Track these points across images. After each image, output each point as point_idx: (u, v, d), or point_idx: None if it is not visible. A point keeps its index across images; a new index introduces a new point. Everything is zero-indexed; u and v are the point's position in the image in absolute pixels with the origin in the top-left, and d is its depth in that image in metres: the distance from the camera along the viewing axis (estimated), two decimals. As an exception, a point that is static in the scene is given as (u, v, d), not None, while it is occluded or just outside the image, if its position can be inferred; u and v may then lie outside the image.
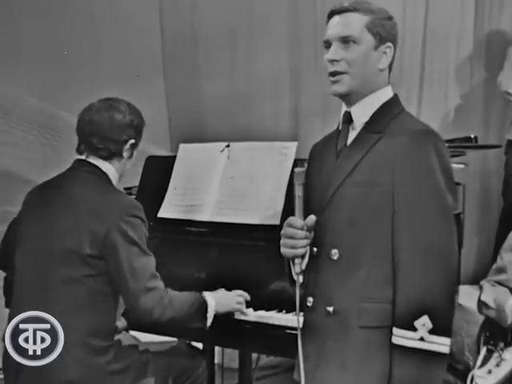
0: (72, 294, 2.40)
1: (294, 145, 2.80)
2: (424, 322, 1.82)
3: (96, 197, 2.46)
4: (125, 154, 2.55)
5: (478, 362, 2.76)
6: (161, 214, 2.98)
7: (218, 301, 2.55)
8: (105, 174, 2.52)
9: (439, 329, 1.82)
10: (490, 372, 2.70)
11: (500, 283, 2.79)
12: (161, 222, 2.96)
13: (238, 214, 2.81)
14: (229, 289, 2.65)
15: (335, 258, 1.94)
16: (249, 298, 2.64)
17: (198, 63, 4.67)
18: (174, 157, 3.09)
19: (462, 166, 3.62)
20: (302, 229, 1.97)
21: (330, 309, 1.93)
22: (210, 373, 3.00)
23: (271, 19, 4.62)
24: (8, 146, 4.52)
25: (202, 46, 4.63)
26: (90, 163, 2.53)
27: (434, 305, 1.82)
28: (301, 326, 2.00)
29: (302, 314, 2.01)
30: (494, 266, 2.86)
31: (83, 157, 2.54)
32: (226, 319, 2.59)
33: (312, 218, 1.98)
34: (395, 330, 1.85)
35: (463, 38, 4.78)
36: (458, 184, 3.69)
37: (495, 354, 2.72)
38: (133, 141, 2.56)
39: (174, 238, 2.94)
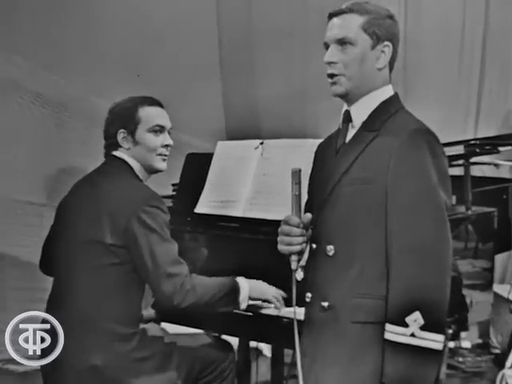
0: (98, 282, 2.50)
1: (323, 142, 2.82)
2: (415, 318, 1.83)
3: (118, 189, 2.57)
4: (125, 145, 2.64)
5: (509, 362, 2.72)
6: (197, 210, 3.06)
7: (252, 286, 2.59)
8: (129, 167, 2.63)
9: (431, 325, 1.83)
10: (519, 372, 2.66)
11: None
12: (198, 218, 3.05)
13: (270, 210, 2.86)
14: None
15: (331, 254, 1.97)
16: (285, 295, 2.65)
17: (254, 63, 4.73)
18: (213, 154, 3.16)
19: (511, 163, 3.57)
20: (297, 226, 2.01)
21: (325, 304, 1.97)
22: (245, 367, 3.07)
23: (326, 17, 4.62)
24: (75, 143, 4.69)
25: (257, 45, 4.69)
26: (113, 155, 2.66)
27: (426, 301, 1.83)
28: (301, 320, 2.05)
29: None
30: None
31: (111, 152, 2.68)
32: (258, 314, 2.64)
33: (308, 215, 2.02)
34: (387, 326, 1.87)
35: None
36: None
37: (524, 354, 2.68)
38: (122, 130, 2.64)
39: (209, 233, 3.01)
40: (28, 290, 4.25)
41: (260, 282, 2.65)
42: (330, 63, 2.00)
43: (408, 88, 4.62)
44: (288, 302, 2.63)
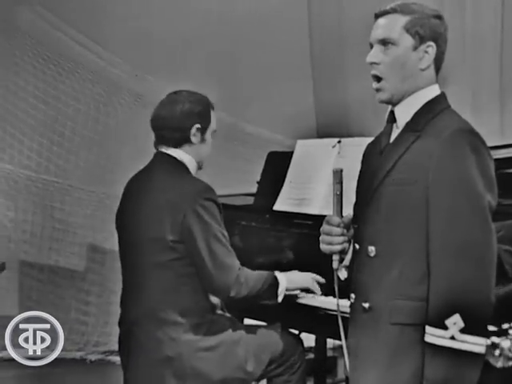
0: (162, 278, 2.58)
1: (399, 140, 2.80)
2: (455, 321, 1.79)
3: (172, 186, 2.62)
4: (194, 139, 2.69)
5: None
6: (276, 207, 3.11)
7: (288, 278, 2.67)
8: (180, 163, 2.68)
9: (472, 328, 1.79)
10: None
11: None
12: (276, 215, 3.09)
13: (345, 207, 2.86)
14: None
15: (372, 254, 1.96)
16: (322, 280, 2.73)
17: (345, 61, 4.73)
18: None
19: None
20: (338, 226, 2.02)
21: (366, 305, 1.95)
22: (320, 364, 3.08)
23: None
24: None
25: (348, 44, 4.69)
26: (165, 153, 2.69)
27: (467, 304, 1.79)
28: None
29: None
30: None
31: (162, 149, 2.71)
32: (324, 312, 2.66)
33: (348, 215, 2.04)
34: (427, 328, 1.84)
35: None
36: None
37: None
38: (198, 125, 2.68)
39: (286, 230, 3.02)
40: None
41: (294, 272, 2.73)
42: (372, 63, 1.98)
43: (504, 83, 4.51)
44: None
